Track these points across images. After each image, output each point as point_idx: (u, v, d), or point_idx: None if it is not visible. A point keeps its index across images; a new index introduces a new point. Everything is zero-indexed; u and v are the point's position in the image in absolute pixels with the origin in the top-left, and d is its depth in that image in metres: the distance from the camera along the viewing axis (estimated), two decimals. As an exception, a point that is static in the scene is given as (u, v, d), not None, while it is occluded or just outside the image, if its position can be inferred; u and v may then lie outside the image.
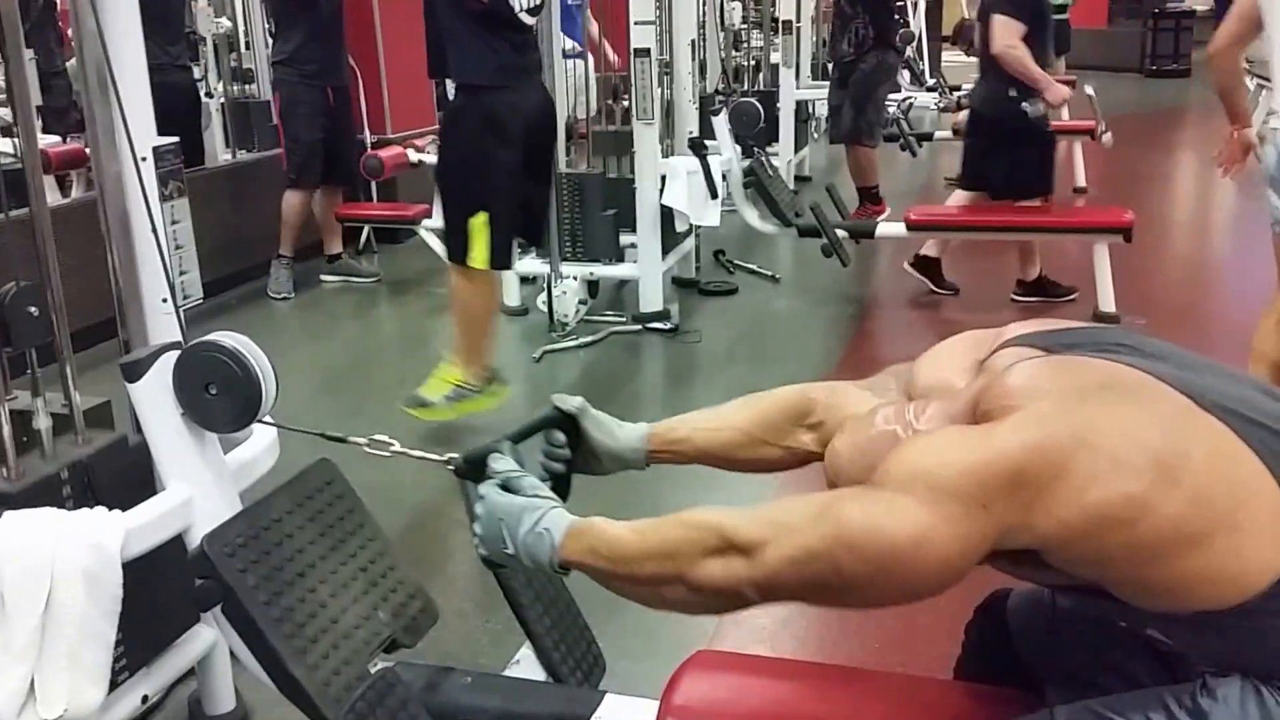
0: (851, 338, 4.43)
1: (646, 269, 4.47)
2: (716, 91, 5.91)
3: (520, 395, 4.00)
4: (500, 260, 3.32)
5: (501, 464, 1.30)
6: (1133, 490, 0.98)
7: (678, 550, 1.11)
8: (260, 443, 1.76)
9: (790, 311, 4.93)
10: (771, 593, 1.08)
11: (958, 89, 7.92)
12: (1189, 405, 1.04)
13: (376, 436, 1.51)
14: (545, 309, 4.37)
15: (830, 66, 5.95)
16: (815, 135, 8.79)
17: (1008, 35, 4.29)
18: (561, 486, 1.42)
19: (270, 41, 5.36)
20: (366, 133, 5.49)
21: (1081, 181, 7.16)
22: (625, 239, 4.58)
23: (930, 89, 9.07)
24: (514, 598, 1.55)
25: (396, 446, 1.50)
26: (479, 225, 3.23)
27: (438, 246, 5.18)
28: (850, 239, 4.66)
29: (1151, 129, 9.59)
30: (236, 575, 1.34)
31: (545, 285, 4.38)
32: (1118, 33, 15.82)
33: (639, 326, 4.44)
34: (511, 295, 4.71)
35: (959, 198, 4.77)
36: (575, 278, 4.35)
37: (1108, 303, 4.29)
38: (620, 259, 4.58)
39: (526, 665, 1.59)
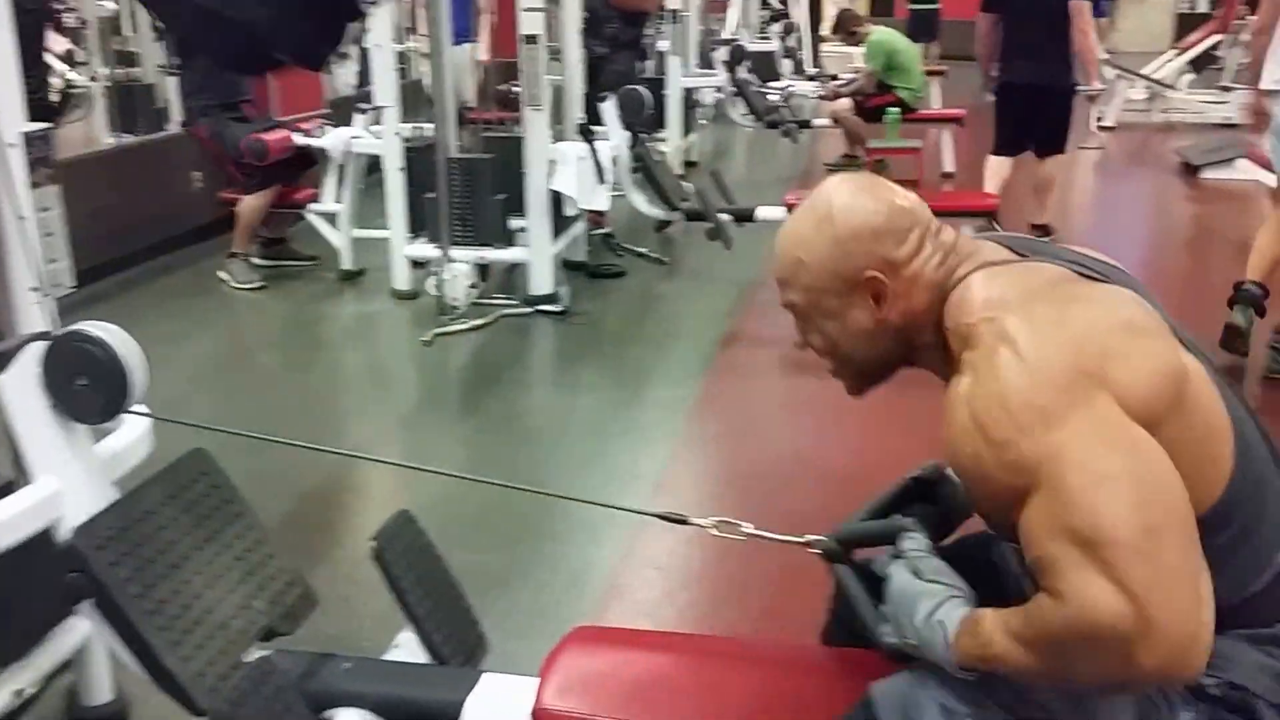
0: (735, 317, 4.52)
1: (536, 252, 4.49)
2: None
3: (410, 378, 4.00)
4: None
5: (911, 544, 1.20)
6: (1159, 347, 1.05)
7: (1085, 661, 0.98)
8: (132, 433, 1.74)
9: (677, 293, 5.01)
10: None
11: (836, 78, 8.11)
12: (1165, 324, 1.10)
13: (728, 519, 1.42)
14: (435, 292, 4.36)
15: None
16: (703, 121, 8.89)
17: None
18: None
19: (170, 60, 5.20)
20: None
21: (950, 167, 7.42)
22: (516, 223, 4.59)
23: (810, 78, 9.26)
24: (394, 581, 1.57)
25: (749, 529, 1.40)
26: None
27: (327, 230, 5.12)
28: (734, 222, 4.76)
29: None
30: (107, 568, 1.34)
31: (435, 269, 4.36)
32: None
33: (529, 309, 4.46)
34: (401, 279, 4.68)
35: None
36: (465, 261, 4.34)
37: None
38: (510, 243, 4.59)
39: (407, 648, 1.60)
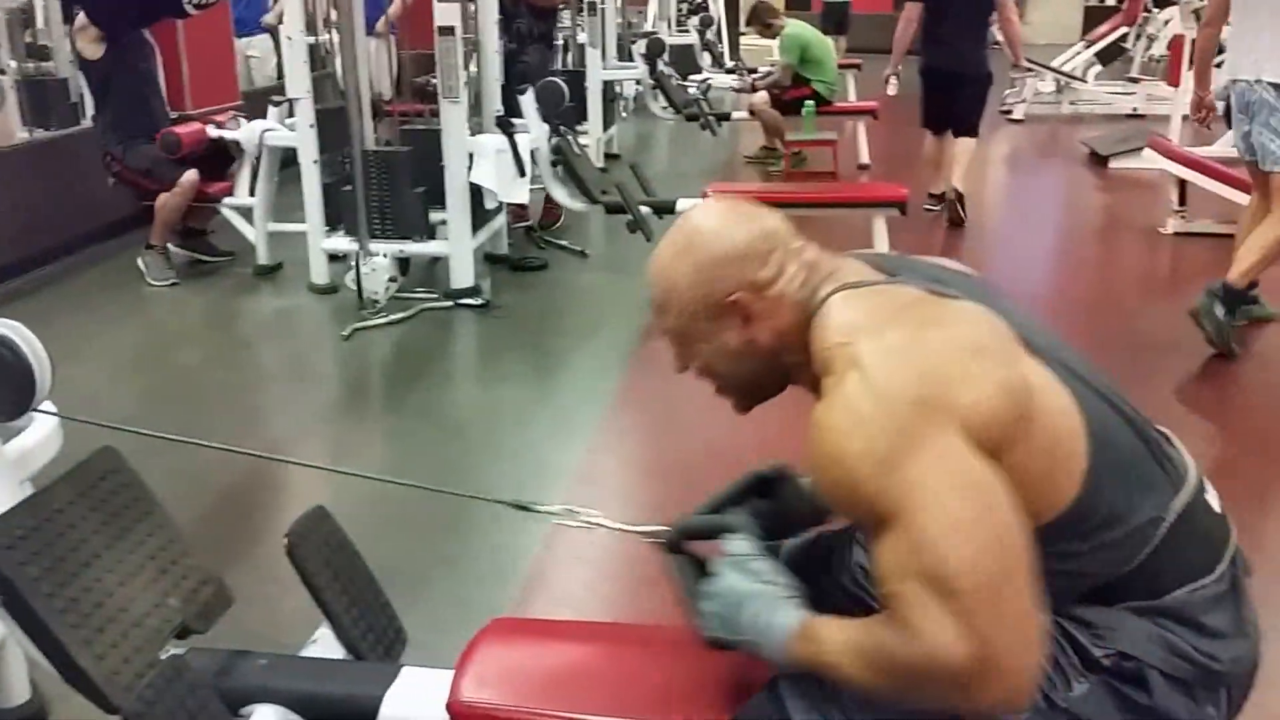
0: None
1: (457, 246, 4.48)
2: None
3: (329, 374, 3.96)
4: None
5: (738, 546, 1.25)
6: (1002, 376, 1.06)
7: (921, 691, 1.04)
8: (40, 431, 1.71)
9: (598, 285, 5.04)
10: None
11: (754, 71, 8.19)
12: (1011, 333, 1.13)
13: (572, 508, 1.45)
14: (354, 287, 4.32)
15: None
16: (624, 114, 8.92)
17: None
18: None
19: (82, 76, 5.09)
20: (168, 107, 5.25)
21: (865, 159, 7.56)
22: (436, 216, 4.57)
23: (729, 71, 9.34)
24: (308, 577, 1.57)
25: (598, 517, 1.45)
26: None
27: (242, 225, 5.04)
28: (654, 214, 4.80)
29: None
30: (16, 568, 1.32)
31: (354, 263, 4.33)
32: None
33: (451, 303, 4.45)
34: (319, 273, 4.64)
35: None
36: (385, 255, 4.31)
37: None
38: (431, 236, 4.57)
39: (324, 644, 1.60)
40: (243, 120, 5.03)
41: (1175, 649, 1.11)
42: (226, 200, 5.00)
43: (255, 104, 5.56)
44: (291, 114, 4.61)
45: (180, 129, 4.78)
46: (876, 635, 1.05)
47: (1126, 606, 1.12)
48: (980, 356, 1.08)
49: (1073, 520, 1.08)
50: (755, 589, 1.18)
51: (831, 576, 1.42)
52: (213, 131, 4.92)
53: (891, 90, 6.55)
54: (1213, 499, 1.21)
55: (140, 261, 4.86)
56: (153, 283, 4.80)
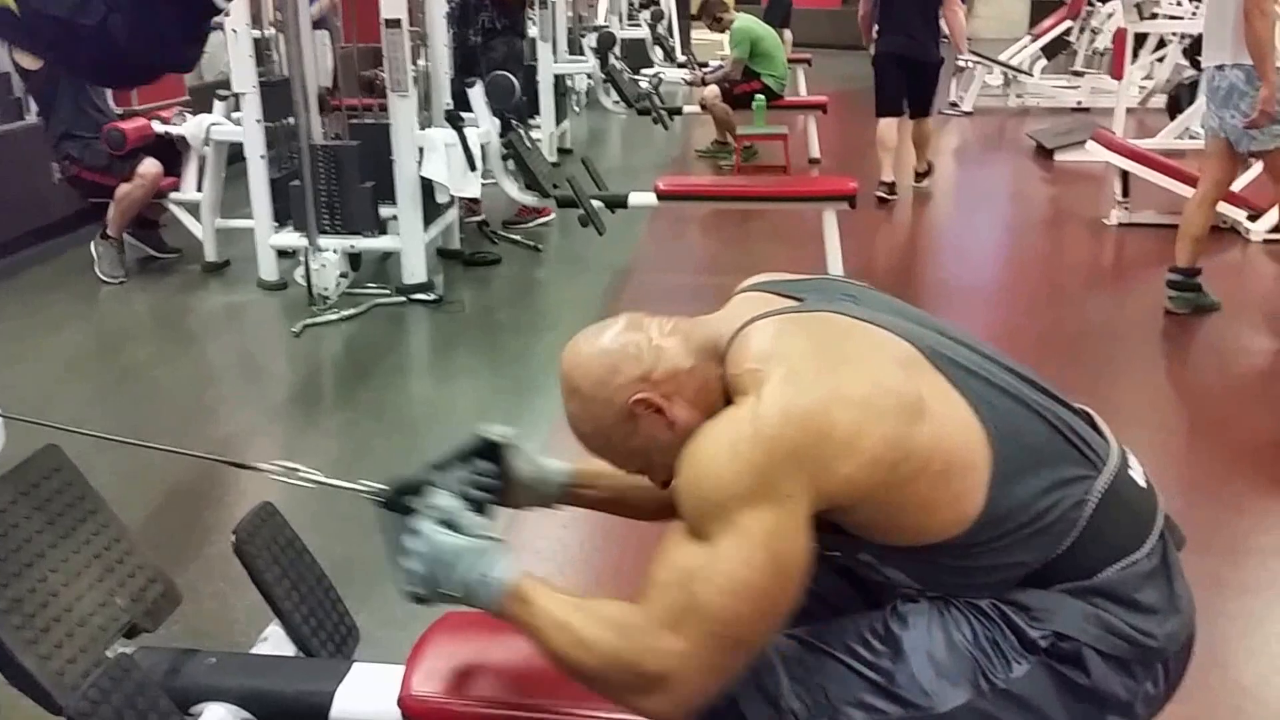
0: (609, 303, 4.56)
1: (408, 241, 4.45)
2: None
3: (280, 371, 3.93)
4: None
5: (443, 500, 1.27)
6: (889, 431, 1.08)
7: (606, 679, 1.14)
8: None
9: (552, 279, 5.04)
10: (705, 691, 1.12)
11: (705, 65, 8.22)
12: (911, 352, 1.15)
13: (292, 465, 1.45)
14: (304, 282, 4.29)
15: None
16: (576, 109, 8.91)
17: None
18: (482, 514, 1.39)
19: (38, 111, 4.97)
20: (111, 102, 5.16)
21: (815, 153, 7.62)
22: (386, 211, 4.54)
23: (680, 65, 9.36)
24: (258, 575, 1.56)
25: (311, 473, 1.45)
26: None
27: (189, 221, 4.97)
28: (607, 208, 4.80)
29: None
30: (-44, 570, 1.30)
31: (303, 259, 4.29)
32: (849, 11, 16.72)
33: (403, 298, 4.42)
34: (268, 269, 4.59)
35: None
36: (335, 251, 4.28)
37: (836, 266, 4.61)
38: (382, 231, 4.54)
39: (275, 641, 1.60)
40: (189, 115, 4.96)
41: (1110, 627, 1.12)
42: (173, 196, 4.94)
43: (203, 99, 5.48)
44: (238, 108, 4.55)
45: (125, 124, 4.70)
46: (596, 616, 1.14)
47: (1062, 588, 1.14)
48: (872, 411, 1.09)
49: (986, 524, 1.11)
50: (467, 544, 1.21)
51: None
52: (158, 127, 4.84)
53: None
54: (1137, 474, 1.23)
55: (93, 249, 4.77)
56: (102, 275, 4.72)
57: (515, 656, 1.46)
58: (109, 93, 4.99)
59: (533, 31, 7.49)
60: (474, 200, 5.22)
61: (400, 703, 1.39)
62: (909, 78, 6.25)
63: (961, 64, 7.76)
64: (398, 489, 1.36)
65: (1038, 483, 1.13)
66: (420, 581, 1.23)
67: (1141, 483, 1.22)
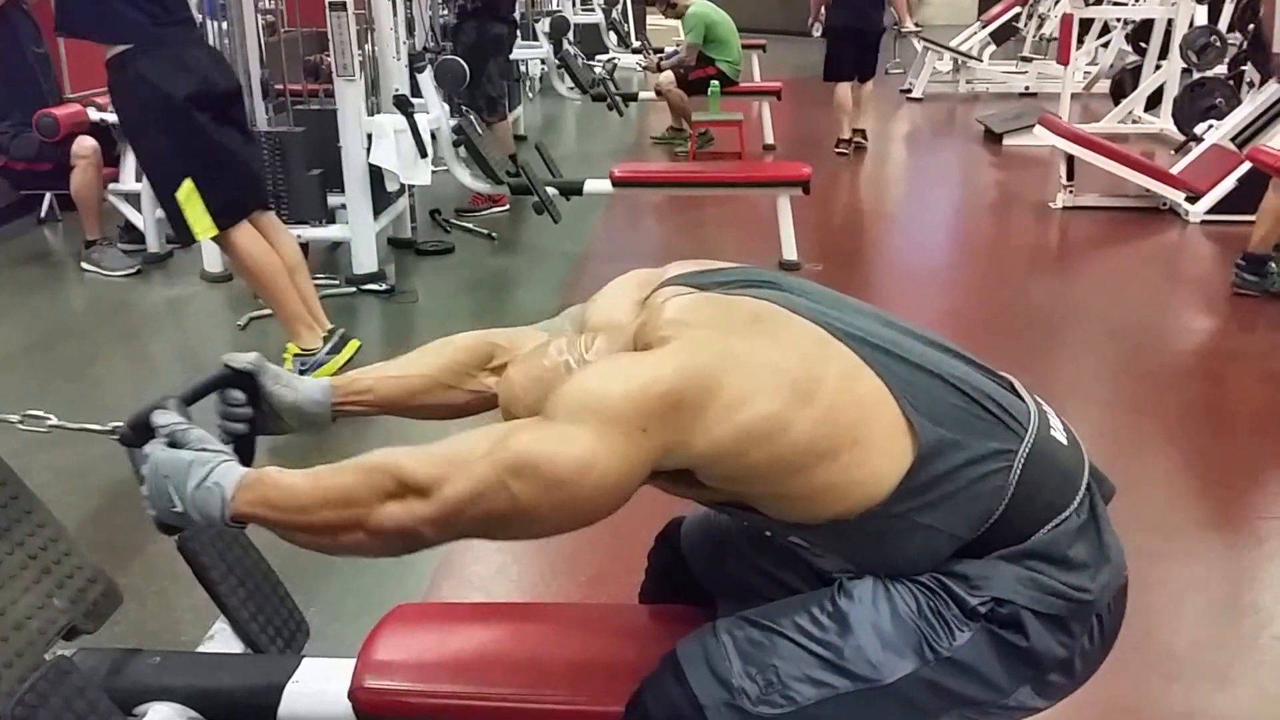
0: (565, 291, 4.54)
1: (358, 230, 4.39)
2: (424, 49, 5.82)
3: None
4: (226, 219, 3.18)
5: (166, 418, 1.23)
6: (773, 409, 1.09)
7: (355, 497, 1.10)
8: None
9: (506, 268, 4.99)
10: (452, 529, 1.10)
11: (660, 51, 8.19)
12: (822, 335, 1.16)
13: (31, 412, 1.41)
14: (250, 274, 4.20)
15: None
16: (530, 95, 8.84)
17: None
18: (245, 449, 1.37)
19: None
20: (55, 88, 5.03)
21: (770, 139, 7.63)
22: (336, 200, 4.47)
23: (635, 51, 9.32)
24: (203, 572, 1.52)
25: (53, 420, 1.41)
26: (186, 195, 3.08)
27: (129, 212, 4.85)
28: (561, 196, 4.77)
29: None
30: (-118, 574, 1.25)
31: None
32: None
33: (353, 289, 4.36)
34: (212, 260, 4.50)
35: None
36: (281, 241, 4.20)
37: (790, 251, 4.62)
38: (330, 220, 4.47)
39: (222, 639, 1.56)
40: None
41: (1045, 587, 1.14)
42: (112, 186, 4.82)
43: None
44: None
45: (57, 110, 4.58)
46: (354, 464, 1.12)
47: (997, 555, 1.15)
48: (764, 387, 1.09)
49: (905, 497, 1.12)
50: (183, 457, 1.18)
51: (742, 559, 1.42)
52: (94, 114, 4.72)
53: (818, 33, 7.60)
54: (1058, 432, 1.24)
55: (87, 265, 4.64)
56: (110, 274, 4.59)
57: (467, 647, 1.44)
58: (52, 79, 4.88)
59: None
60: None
61: (351, 695, 1.36)
62: (855, 48, 7.14)
63: (903, 33, 8.92)
64: (132, 424, 1.29)
65: (958, 456, 1.14)
66: (153, 505, 1.19)
67: (1063, 440, 1.23)
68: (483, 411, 1.46)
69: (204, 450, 1.19)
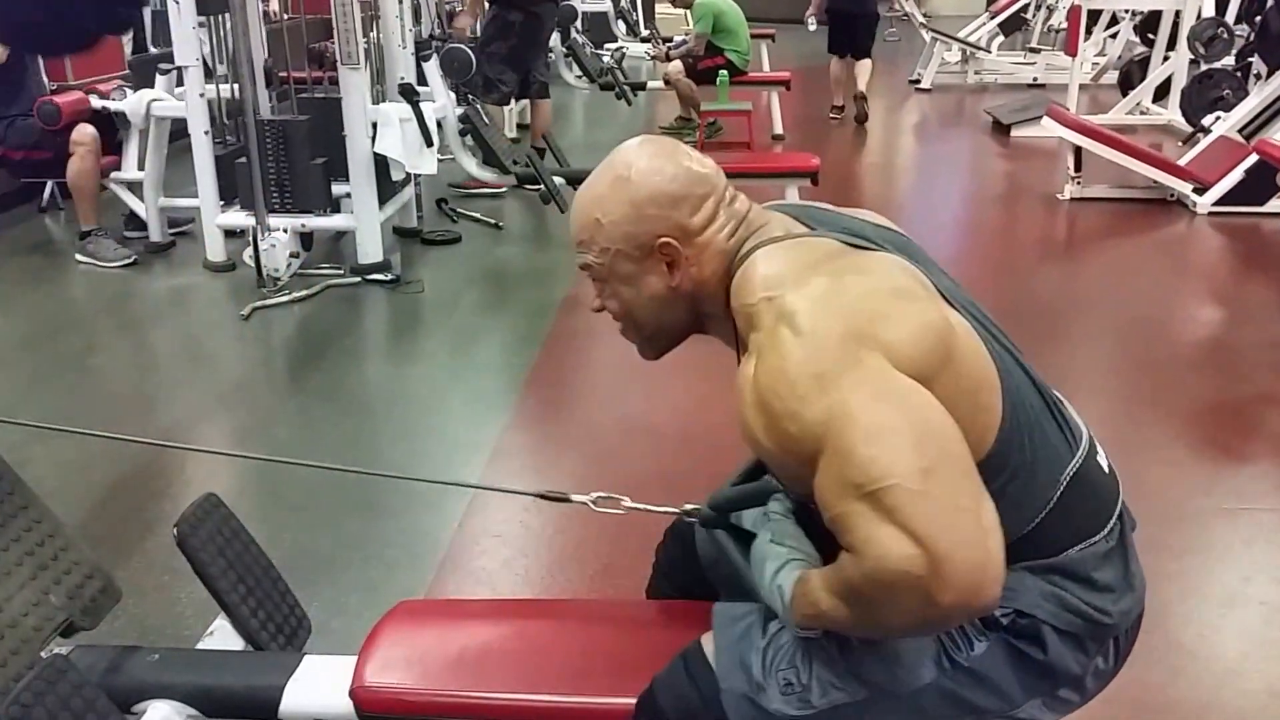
0: (572, 280, 4.50)
1: (363, 219, 4.36)
2: (431, 37, 5.78)
3: (228, 355, 3.82)
4: None
5: (775, 505, 1.21)
6: (936, 314, 1.08)
7: (892, 605, 0.99)
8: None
9: (513, 258, 4.96)
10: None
11: (669, 40, 8.14)
12: (933, 289, 1.14)
13: (607, 495, 1.39)
14: (253, 264, 4.17)
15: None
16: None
17: None
18: None
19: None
20: (44, 78, 4.99)
21: (779, 129, 7.58)
22: (340, 189, 4.43)
23: (644, 40, 9.26)
24: (202, 569, 1.50)
25: (627, 502, 1.38)
26: None
27: (131, 200, 4.82)
28: (568, 185, 4.73)
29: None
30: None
31: (252, 239, 4.17)
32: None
33: (358, 279, 4.33)
34: (215, 250, 4.47)
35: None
36: (285, 230, 4.17)
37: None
38: (335, 209, 4.43)
39: (222, 635, 1.54)
40: (129, 90, 4.79)
41: (1068, 605, 1.13)
42: (114, 175, 4.78)
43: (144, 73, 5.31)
44: (180, 83, 4.41)
45: (59, 98, 4.55)
46: (837, 566, 1.03)
47: (1024, 566, 1.13)
48: (903, 298, 1.08)
49: (987, 472, 1.06)
50: (771, 550, 1.15)
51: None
52: (96, 102, 4.68)
53: (811, 27, 8.61)
54: (1103, 459, 1.23)
55: (81, 256, 4.60)
56: (107, 265, 4.55)
57: (471, 644, 1.42)
58: (40, 68, 4.84)
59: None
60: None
61: (352, 694, 1.34)
62: (849, 28, 7.94)
63: (903, 17, 10.11)
64: (714, 505, 1.30)
65: (1030, 447, 1.12)
66: (753, 587, 1.19)
67: (1106, 468, 1.23)
68: None
69: (781, 545, 1.16)
